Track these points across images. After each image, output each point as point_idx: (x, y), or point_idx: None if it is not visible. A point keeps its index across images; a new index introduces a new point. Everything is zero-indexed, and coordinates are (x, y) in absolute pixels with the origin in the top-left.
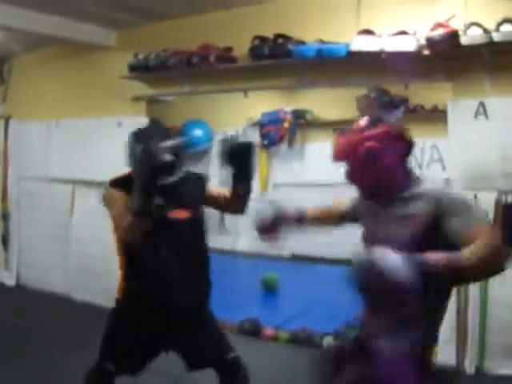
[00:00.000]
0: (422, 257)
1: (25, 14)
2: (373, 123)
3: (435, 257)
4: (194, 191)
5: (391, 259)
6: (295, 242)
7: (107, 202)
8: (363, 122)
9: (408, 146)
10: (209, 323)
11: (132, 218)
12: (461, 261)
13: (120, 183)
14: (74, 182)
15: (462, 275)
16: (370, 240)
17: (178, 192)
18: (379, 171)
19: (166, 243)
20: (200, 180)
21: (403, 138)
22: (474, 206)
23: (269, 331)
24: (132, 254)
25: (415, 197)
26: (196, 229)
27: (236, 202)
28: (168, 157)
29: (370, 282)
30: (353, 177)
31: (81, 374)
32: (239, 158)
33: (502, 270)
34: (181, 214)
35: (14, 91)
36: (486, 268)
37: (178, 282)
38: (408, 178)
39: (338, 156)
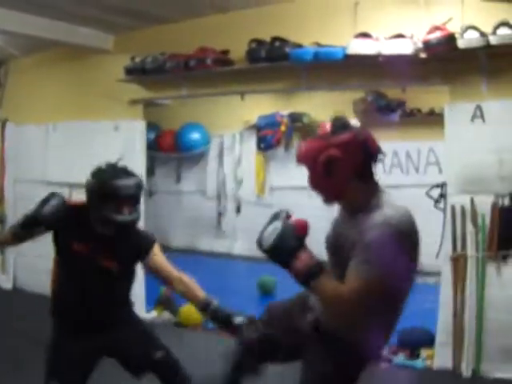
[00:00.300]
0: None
1: (22, 18)
2: (337, 129)
3: (305, 263)
4: (134, 251)
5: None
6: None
7: None
8: (328, 127)
9: (372, 153)
10: (131, 329)
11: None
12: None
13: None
14: (71, 186)
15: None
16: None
17: (118, 241)
18: (337, 181)
19: (87, 276)
20: (146, 242)
21: (368, 146)
22: (383, 252)
23: None
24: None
25: (373, 211)
26: (115, 281)
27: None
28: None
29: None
30: (313, 183)
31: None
32: None
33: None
34: (106, 263)
35: (10, 95)
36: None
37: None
38: (367, 190)
39: (300, 160)
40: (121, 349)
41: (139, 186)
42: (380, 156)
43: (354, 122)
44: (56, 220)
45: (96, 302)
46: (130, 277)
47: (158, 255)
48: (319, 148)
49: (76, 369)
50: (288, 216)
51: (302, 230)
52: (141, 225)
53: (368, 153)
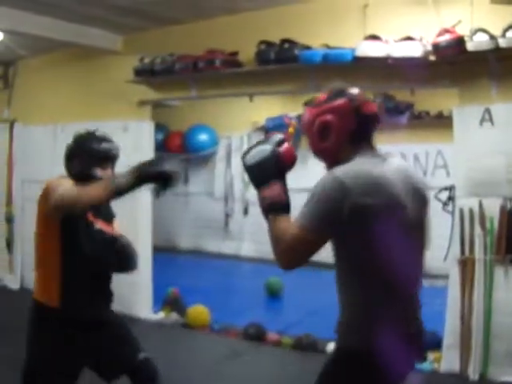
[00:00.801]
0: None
1: (31, 19)
2: (334, 95)
3: (272, 194)
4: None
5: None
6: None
7: (52, 186)
8: (324, 94)
9: (367, 118)
10: (116, 329)
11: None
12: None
13: None
14: None
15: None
16: None
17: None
18: (332, 146)
19: (88, 248)
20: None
21: (362, 110)
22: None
23: (273, 336)
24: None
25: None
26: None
27: None
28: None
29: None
30: (312, 149)
31: (84, 379)
32: None
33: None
34: (108, 228)
35: (19, 95)
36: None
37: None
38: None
39: (302, 129)
40: (104, 349)
41: (118, 151)
42: (376, 121)
43: (353, 88)
44: None
45: (105, 278)
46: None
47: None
48: (315, 114)
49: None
50: (280, 142)
51: (287, 159)
52: (149, 225)
53: (362, 117)
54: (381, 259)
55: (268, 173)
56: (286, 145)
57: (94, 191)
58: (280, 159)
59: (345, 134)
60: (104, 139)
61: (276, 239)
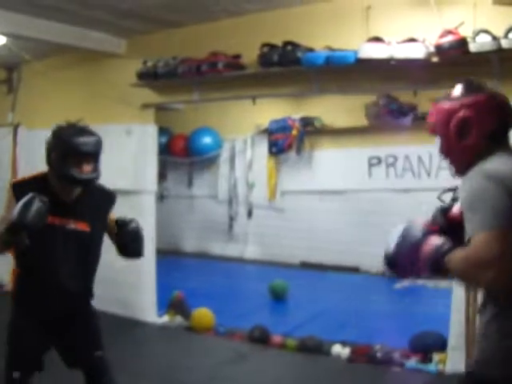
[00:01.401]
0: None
1: (34, 22)
2: (470, 89)
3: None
4: (99, 206)
5: (402, 230)
6: (304, 250)
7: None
8: (459, 89)
9: (507, 117)
10: (89, 322)
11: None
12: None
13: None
14: None
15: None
16: None
17: (82, 203)
18: (471, 145)
19: (55, 249)
20: (108, 197)
21: (504, 108)
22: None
23: (277, 338)
24: (21, 255)
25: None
26: (90, 243)
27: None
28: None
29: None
30: (445, 151)
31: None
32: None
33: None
34: (79, 225)
35: (23, 99)
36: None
37: (61, 289)
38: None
39: (431, 128)
40: (69, 338)
41: (99, 144)
42: None
43: (490, 84)
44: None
45: (70, 274)
46: (100, 241)
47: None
48: (450, 110)
49: (37, 357)
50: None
51: (432, 228)
52: (153, 229)
53: (503, 116)
54: None
55: (416, 238)
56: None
57: None
58: (421, 225)
59: (486, 131)
60: (82, 132)
61: (468, 267)
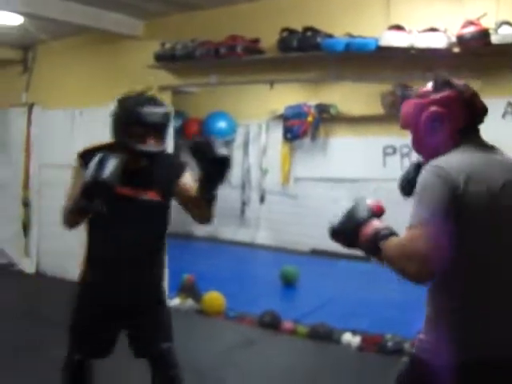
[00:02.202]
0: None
1: (52, 2)
2: (440, 86)
3: (374, 227)
4: (169, 175)
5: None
6: (315, 237)
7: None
8: (429, 85)
9: (477, 111)
10: (159, 312)
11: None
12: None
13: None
14: None
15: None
16: None
17: (151, 170)
18: (440, 139)
19: (127, 221)
20: (179, 166)
21: (473, 103)
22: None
23: (288, 324)
24: (92, 230)
25: None
26: (161, 213)
27: (203, 209)
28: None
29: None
30: (416, 145)
31: (95, 364)
32: (210, 159)
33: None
34: (150, 195)
35: (37, 79)
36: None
37: (133, 269)
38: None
39: (402, 123)
40: (138, 327)
41: (167, 116)
42: (484, 114)
43: (458, 80)
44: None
45: (139, 248)
46: (168, 212)
47: (187, 178)
48: (420, 106)
49: (100, 343)
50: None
51: (376, 209)
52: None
53: (472, 110)
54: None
55: (360, 217)
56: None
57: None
58: (369, 206)
59: (455, 126)
60: (148, 102)
61: (400, 255)
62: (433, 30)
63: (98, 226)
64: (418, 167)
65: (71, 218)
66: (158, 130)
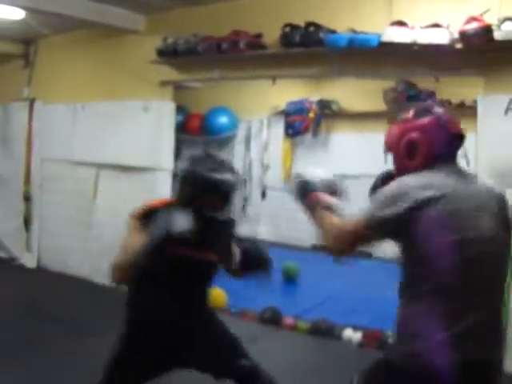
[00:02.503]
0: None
1: None
2: (420, 113)
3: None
4: (226, 239)
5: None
6: (317, 233)
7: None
8: (411, 112)
9: (452, 137)
10: (217, 334)
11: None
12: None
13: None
14: (98, 166)
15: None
16: None
17: (216, 232)
18: (418, 163)
19: (184, 280)
20: (231, 225)
21: (448, 129)
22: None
23: (289, 320)
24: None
25: None
26: (214, 271)
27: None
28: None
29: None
30: (397, 167)
31: (96, 360)
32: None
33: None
34: (210, 256)
35: (39, 73)
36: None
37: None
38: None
39: (385, 146)
40: (203, 355)
41: (236, 184)
42: (462, 140)
43: (438, 107)
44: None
45: (190, 297)
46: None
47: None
48: (401, 131)
49: (144, 371)
50: None
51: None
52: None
53: (449, 136)
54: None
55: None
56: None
57: None
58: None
59: (432, 152)
60: (220, 167)
61: (331, 227)
62: (435, 25)
63: (151, 281)
64: (388, 176)
65: (124, 273)
66: (227, 197)
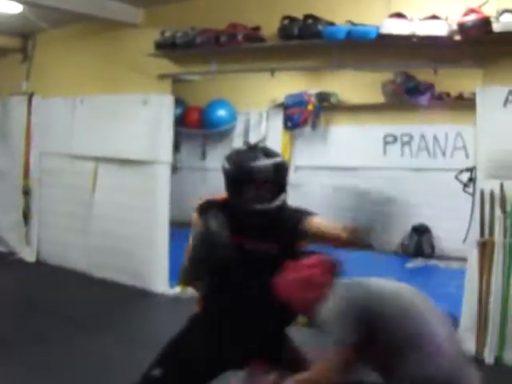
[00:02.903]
0: None
1: None
2: None
3: None
4: (286, 224)
5: None
6: None
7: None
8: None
9: None
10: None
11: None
12: None
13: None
14: (97, 159)
15: None
16: None
17: (268, 221)
18: None
19: (250, 272)
20: (296, 214)
21: None
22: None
23: None
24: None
25: None
26: (278, 262)
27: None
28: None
29: None
30: None
31: (97, 354)
32: None
33: None
34: (270, 247)
35: (37, 67)
36: None
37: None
38: None
39: None
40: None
41: (279, 167)
42: None
43: None
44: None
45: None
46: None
47: (313, 221)
48: None
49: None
50: None
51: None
52: (167, 200)
53: None
54: None
55: None
56: None
57: None
58: None
59: None
60: (259, 154)
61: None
62: (434, 17)
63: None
64: None
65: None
66: (272, 183)
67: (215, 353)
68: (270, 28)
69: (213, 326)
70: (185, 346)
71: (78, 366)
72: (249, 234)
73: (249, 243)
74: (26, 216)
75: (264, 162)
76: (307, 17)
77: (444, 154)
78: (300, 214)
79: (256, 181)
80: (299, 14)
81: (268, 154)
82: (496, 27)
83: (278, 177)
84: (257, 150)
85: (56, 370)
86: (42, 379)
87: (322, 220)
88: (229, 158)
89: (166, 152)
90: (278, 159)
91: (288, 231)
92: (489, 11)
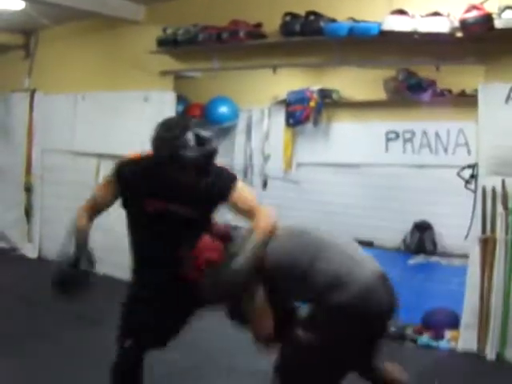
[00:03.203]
0: None
1: None
2: None
3: None
4: (208, 192)
5: None
6: (318, 223)
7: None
8: None
9: None
10: None
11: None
12: None
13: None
14: (99, 156)
15: None
16: None
17: (194, 186)
18: None
19: (158, 231)
20: (224, 181)
21: None
22: None
23: None
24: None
25: None
26: (194, 227)
27: None
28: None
29: None
30: None
31: (98, 349)
32: None
33: None
34: (181, 209)
35: (40, 64)
36: None
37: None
38: None
39: None
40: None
41: (208, 156)
42: None
43: None
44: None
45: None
46: (206, 225)
47: (237, 193)
48: None
49: (157, 329)
50: None
51: None
52: None
53: None
54: None
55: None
56: None
57: None
58: None
59: None
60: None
61: None
62: (436, 14)
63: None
64: None
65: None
66: (201, 167)
67: (153, 314)
68: (271, 25)
69: (139, 291)
70: (132, 314)
71: (80, 361)
72: (164, 197)
73: (160, 205)
74: (28, 213)
75: (195, 152)
76: (309, 13)
77: (446, 150)
78: (224, 182)
79: (186, 166)
80: (301, 11)
81: (200, 139)
82: (498, 24)
83: (207, 164)
84: (189, 126)
85: (57, 364)
86: (44, 374)
87: (242, 196)
88: (159, 133)
89: None
90: (208, 148)
91: (209, 198)
92: (491, 8)
